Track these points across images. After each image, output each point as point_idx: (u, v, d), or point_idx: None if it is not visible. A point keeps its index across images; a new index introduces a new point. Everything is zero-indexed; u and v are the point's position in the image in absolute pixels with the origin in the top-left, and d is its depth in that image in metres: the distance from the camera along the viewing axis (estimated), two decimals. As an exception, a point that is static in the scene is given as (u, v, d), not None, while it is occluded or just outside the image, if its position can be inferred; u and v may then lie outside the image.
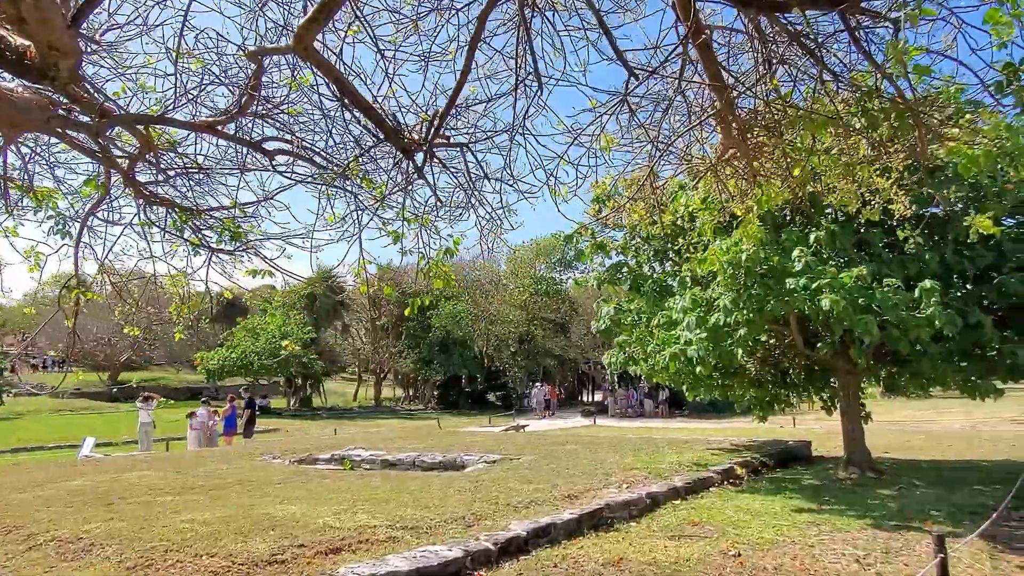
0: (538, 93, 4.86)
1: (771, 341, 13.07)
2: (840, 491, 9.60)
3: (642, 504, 8.43)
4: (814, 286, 7.58)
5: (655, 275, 10.77)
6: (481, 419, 35.07)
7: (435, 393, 45.89)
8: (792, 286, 7.76)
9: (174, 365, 52.02)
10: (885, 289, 7.70)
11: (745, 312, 7.90)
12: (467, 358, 43.29)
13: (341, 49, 4.64)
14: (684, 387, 14.15)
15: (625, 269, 10.92)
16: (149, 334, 50.04)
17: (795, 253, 7.91)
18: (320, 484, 9.49)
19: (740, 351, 8.30)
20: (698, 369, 9.09)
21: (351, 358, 49.02)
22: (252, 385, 38.45)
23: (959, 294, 9.00)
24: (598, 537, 7.06)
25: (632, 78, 4.73)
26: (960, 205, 8.55)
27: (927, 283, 7.59)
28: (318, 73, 4.44)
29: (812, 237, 8.27)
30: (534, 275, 43.70)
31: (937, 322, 7.38)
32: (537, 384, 37.59)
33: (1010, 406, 21.35)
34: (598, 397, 46.76)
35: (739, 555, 6.23)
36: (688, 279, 9.39)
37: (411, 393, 48.45)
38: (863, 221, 7.45)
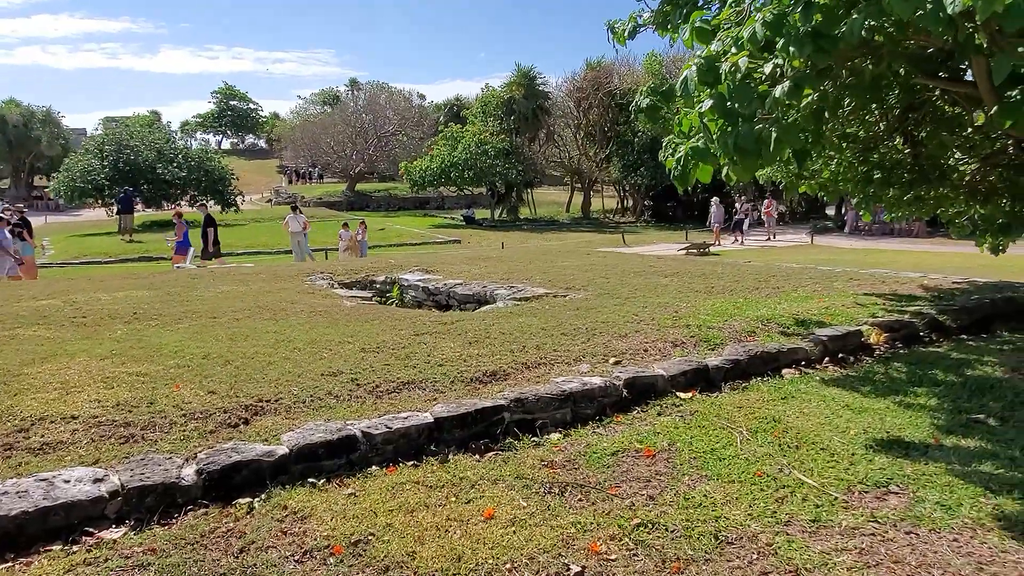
0: None
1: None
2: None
3: (610, 397, 4.97)
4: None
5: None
6: (679, 235, 31.13)
7: (647, 204, 41.88)
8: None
9: (398, 177, 54.06)
10: None
11: (790, 40, 3.48)
12: (680, 165, 38.26)
13: None
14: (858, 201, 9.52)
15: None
16: (378, 145, 52.04)
17: None
18: (248, 327, 7.32)
19: (797, 132, 3.79)
20: (724, 172, 4.74)
21: (556, 167, 46.35)
22: (461, 195, 36.38)
23: None
24: (415, 469, 3.93)
25: None
26: None
27: None
28: None
29: None
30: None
31: None
32: (714, 200, 30.57)
33: None
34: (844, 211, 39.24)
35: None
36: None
37: (623, 204, 44.90)
38: None
